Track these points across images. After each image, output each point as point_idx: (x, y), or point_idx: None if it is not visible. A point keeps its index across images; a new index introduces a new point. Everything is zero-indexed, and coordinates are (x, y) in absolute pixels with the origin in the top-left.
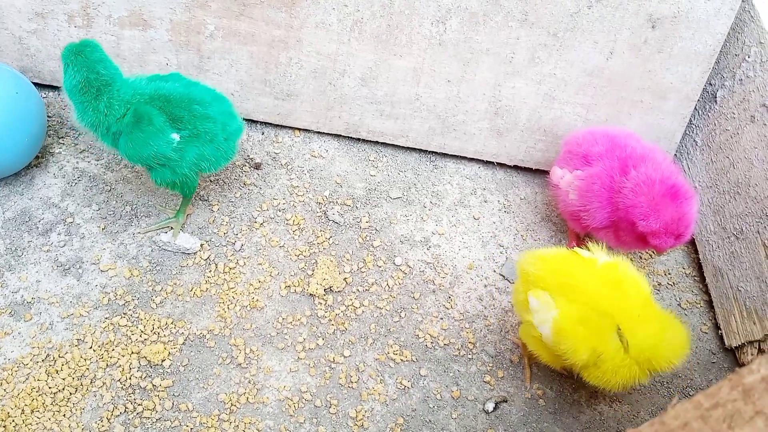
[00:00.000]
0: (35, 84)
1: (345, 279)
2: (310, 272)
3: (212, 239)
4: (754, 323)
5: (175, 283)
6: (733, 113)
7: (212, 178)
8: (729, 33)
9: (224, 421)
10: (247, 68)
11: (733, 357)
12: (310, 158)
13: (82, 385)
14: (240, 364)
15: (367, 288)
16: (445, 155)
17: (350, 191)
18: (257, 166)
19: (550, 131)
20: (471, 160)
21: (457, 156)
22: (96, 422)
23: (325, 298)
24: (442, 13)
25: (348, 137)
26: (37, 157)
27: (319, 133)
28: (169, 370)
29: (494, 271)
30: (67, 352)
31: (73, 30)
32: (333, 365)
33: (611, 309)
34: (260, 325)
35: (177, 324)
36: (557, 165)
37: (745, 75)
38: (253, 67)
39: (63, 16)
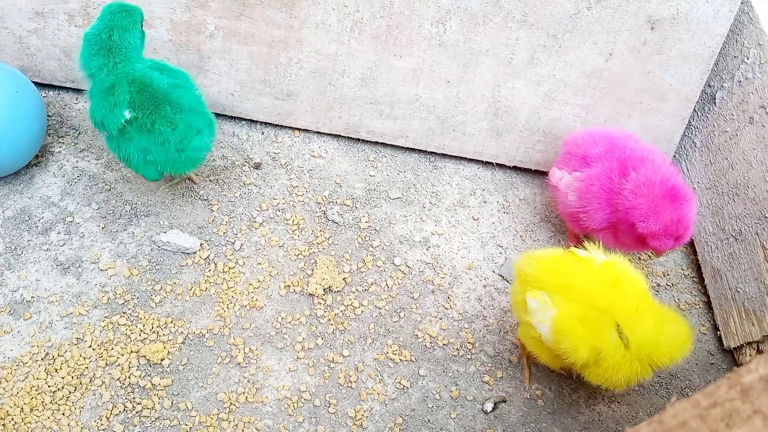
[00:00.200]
0: (35, 83)
1: (344, 279)
2: (309, 272)
3: (212, 239)
4: (753, 324)
5: (175, 283)
6: (732, 115)
7: (211, 178)
8: (728, 35)
9: (223, 420)
10: (247, 68)
11: (732, 358)
12: (309, 158)
13: (81, 383)
14: (239, 364)
15: (367, 288)
16: (444, 156)
17: (350, 191)
18: (257, 166)
19: (550, 132)
20: (470, 160)
21: (457, 156)
22: (95, 421)
23: (324, 297)
24: (442, 14)
25: (348, 137)
26: (36, 156)
27: (318, 133)
28: (168, 369)
29: (493, 271)
30: (66, 351)
31: (73, 29)
32: (332, 365)
33: (609, 307)
34: (259, 325)
35: (176, 323)
36: (556, 166)
37: (743, 77)
38: (252, 67)
39: (63, 15)
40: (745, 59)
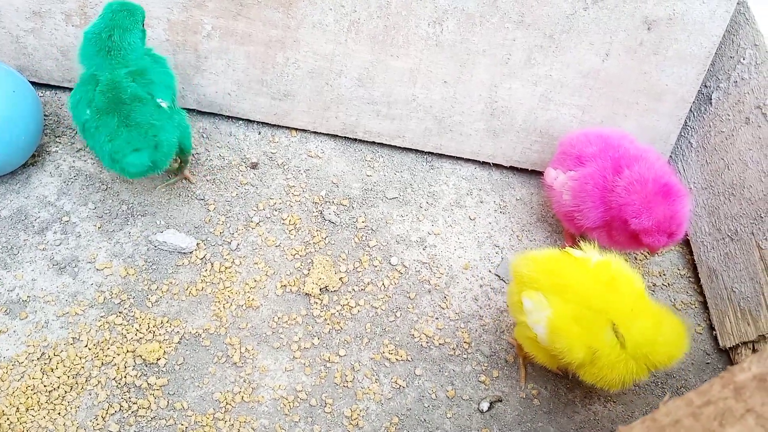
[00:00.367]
0: (32, 83)
1: (341, 278)
2: (306, 272)
3: (208, 238)
4: (748, 324)
5: (171, 282)
6: (728, 115)
7: (208, 178)
8: (724, 35)
9: (219, 419)
10: (244, 68)
11: (728, 358)
12: (306, 158)
13: (77, 383)
14: (235, 363)
15: (363, 288)
16: (441, 156)
17: (346, 191)
18: (254, 166)
19: (546, 132)
20: (467, 160)
21: (454, 157)
22: (91, 421)
23: (320, 297)
24: (439, 14)
25: (344, 137)
26: (33, 156)
27: (315, 133)
28: (164, 369)
29: (490, 271)
30: (62, 351)
31: (70, 29)
32: (328, 364)
33: (605, 306)
34: (256, 325)
35: (172, 323)
36: (551, 166)
37: (740, 77)
38: (250, 67)
39: (60, 15)
40: (741, 60)
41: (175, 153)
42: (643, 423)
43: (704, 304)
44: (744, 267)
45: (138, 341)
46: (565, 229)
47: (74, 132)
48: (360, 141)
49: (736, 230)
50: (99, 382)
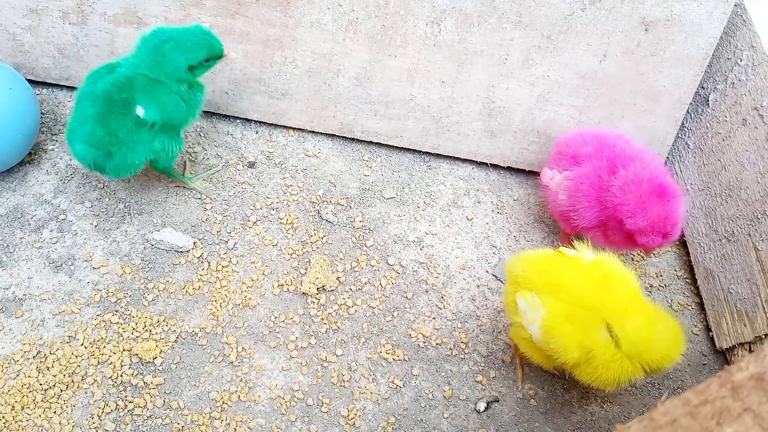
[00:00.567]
0: (29, 81)
1: (338, 278)
2: (303, 271)
3: (205, 237)
4: (745, 325)
5: (168, 281)
6: (725, 116)
7: (205, 176)
8: (721, 37)
9: (215, 419)
10: (241, 67)
11: (724, 359)
12: (304, 157)
13: (73, 382)
14: (232, 363)
15: (360, 287)
16: (438, 156)
17: (344, 191)
18: (251, 165)
19: (544, 133)
20: (465, 161)
21: (451, 157)
22: (87, 419)
23: (317, 297)
24: (437, 14)
25: (342, 137)
26: (30, 154)
27: (313, 132)
28: (160, 368)
29: (487, 271)
30: (58, 349)
31: (67, 27)
32: (325, 364)
33: (598, 305)
34: (253, 324)
35: (169, 322)
36: (548, 166)
37: (737, 78)
38: (247, 65)
39: (57, 12)
40: (739, 61)
41: (142, 167)
42: (640, 422)
43: (701, 306)
44: (741, 268)
45: (134, 340)
46: (562, 230)
47: None
48: (357, 140)
49: (733, 231)
50: (95, 380)
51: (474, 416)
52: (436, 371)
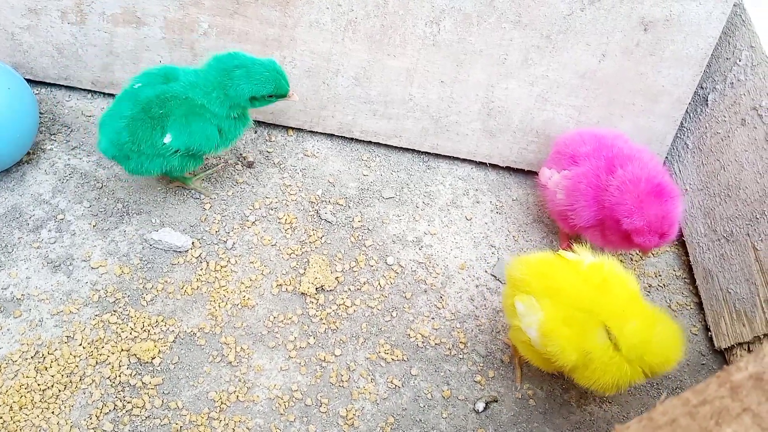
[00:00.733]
0: (28, 80)
1: (337, 278)
2: (302, 271)
3: (204, 237)
4: (744, 325)
5: (166, 281)
6: (724, 116)
7: (204, 177)
8: (720, 37)
9: (214, 419)
10: None
11: (723, 359)
12: (303, 157)
13: (71, 382)
14: (230, 363)
15: (359, 287)
16: (437, 156)
17: (343, 191)
18: (250, 165)
19: (543, 133)
20: (464, 160)
21: (450, 156)
22: (85, 420)
23: (316, 297)
24: (436, 14)
25: (341, 137)
26: (28, 154)
27: (312, 132)
28: (159, 368)
29: (486, 271)
30: (56, 349)
31: (66, 26)
32: (324, 364)
33: (597, 308)
34: (251, 324)
35: (167, 322)
36: (546, 166)
37: (736, 78)
38: None
39: (56, 12)
40: (738, 61)
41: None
42: (639, 422)
43: (699, 305)
44: (739, 268)
45: (133, 340)
46: (561, 229)
47: (69, 130)
48: (356, 140)
49: (732, 231)
50: (93, 380)
51: (473, 416)
52: (435, 371)
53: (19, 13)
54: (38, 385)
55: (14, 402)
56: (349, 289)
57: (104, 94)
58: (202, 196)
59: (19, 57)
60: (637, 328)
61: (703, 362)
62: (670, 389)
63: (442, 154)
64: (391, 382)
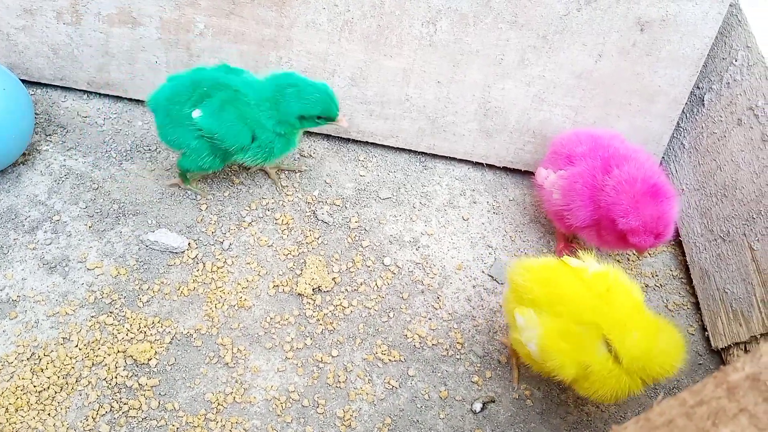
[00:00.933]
0: (23, 81)
1: (334, 279)
2: (298, 272)
3: (200, 238)
4: (740, 325)
5: (162, 282)
6: (721, 116)
7: (201, 177)
8: (717, 37)
9: (211, 420)
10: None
11: (720, 358)
12: (299, 158)
13: (67, 383)
14: (227, 364)
15: (356, 288)
16: (434, 156)
17: (339, 191)
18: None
19: (539, 133)
20: (460, 161)
21: (447, 157)
22: (81, 421)
23: (313, 297)
24: (433, 14)
25: (338, 137)
26: (24, 155)
27: (308, 132)
28: (155, 370)
29: (483, 271)
30: (52, 351)
31: (61, 27)
32: (321, 365)
33: (598, 319)
34: (248, 325)
35: (164, 323)
36: (543, 166)
37: (732, 78)
38: (242, 65)
39: (51, 12)
40: (734, 61)
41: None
42: (636, 423)
43: (696, 305)
44: (736, 268)
45: (129, 341)
46: (557, 230)
47: (65, 131)
48: (353, 141)
49: (728, 231)
50: (89, 382)
51: (470, 417)
52: (432, 372)
53: (14, 14)
54: (34, 386)
55: (10, 404)
56: (346, 289)
57: (100, 94)
58: (198, 197)
59: (15, 57)
60: (639, 339)
61: (700, 362)
62: (667, 389)
63: (439, 154)
64: (388, 382)
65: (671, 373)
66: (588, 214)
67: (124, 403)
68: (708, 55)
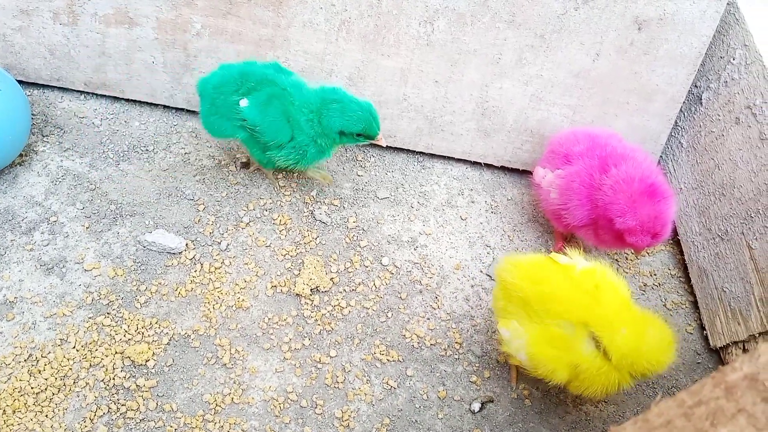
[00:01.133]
0: (20, 82)
1: (332, 279)
2: (296, 272)
3: (198, 238)
4: (739, 324)
5: (160, 283)
6: (718, 115)
7: (198, 177)
8: (714, 35)
9: (209, 421)
10: None
11: (718, 357)
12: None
13: (64, 385)
14: (225, 365)
15: (354, 288)
16: (432, 156)
17: (337, 191)
18: (244, 165)
19: (537, 132)
20: (458, 160)
21: (445, 156)
22: (79, 423)
23: (311, 298)
24: (430, 14)
25: None
26: (20, 156)
27: None
28: (153, 371)
29: (481, 271)
30: (49, 352)
31: (58, 27)
32: (319, 365)
33: (586, 316)
34: (246, 325)
35: (161, 324)
36: (540, 165)
37: (730, 77)
38: None
39: (48, 13)
40: (732, 60)
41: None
42: (635, 424)
43: (695, 304)
44: (734, 267)
45: (126, 342)
46: (555, 229)
47: (62, 131)
48: None
49: (727, 230)
50: (87, 383)
51: (469, 417)
52: (431, 372)
53: (11, 14)
54: (32, 388)
55: (7, 405)
56: (344, 290)
57: (97, 95)
58: (196, 197)
59: (11, 58)
60: (627, 336)
61: (699, 361)
62: (666, 388)
63: (437, 154)
64: (387, 383)
65: (661, 368)
66: (585, 214)
67: (122, 405)
68: (706, 53)
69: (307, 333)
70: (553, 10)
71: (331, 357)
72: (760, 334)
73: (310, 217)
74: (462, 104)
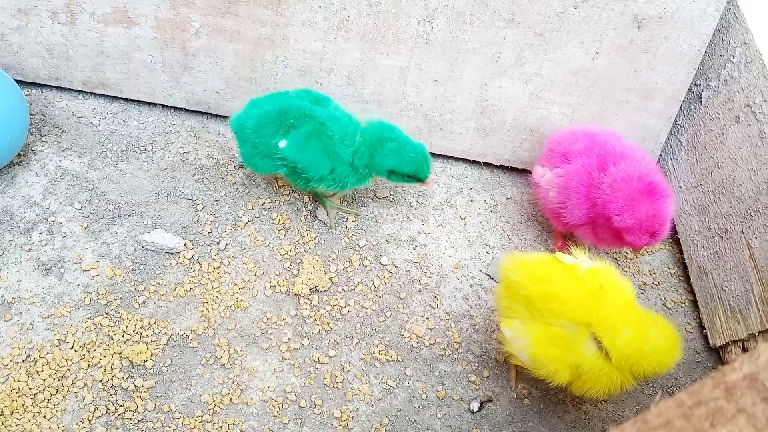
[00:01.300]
0: (18, 81)
1: (331, 279)
2: (295, 272)
3: (196, 238)
4: (738, 323)
5: (158, 283)
6: (718, 114)
7: (197, 177)
8: (714, 34)
9: (207, 422)
10: (232, 66)
11: (718, 356)
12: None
13: (63, 386)
14: (224, 365)
15: (353, 288)
16: (431, 154)
17: None
18: (243, 165)
19: (537, 131)
20: (457, 159)
21: (444, 155)
22: (77, 423)
23: (310, 297)
24: (429, 12)
25: None
26: (19, 156)
27: None
28: (151, 371)
29: (480, 270)
30: (47, 353)
31: (56, 27)
32: (318, 365)
33: (590, 317)
34: (245, 325)
35: (160, 324)
36: (539, 163)
37: (729, 75)
38: (238, 65)
39: (46, 12)
40: (731, 58)
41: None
42: (634, 424)
43: (694, 303)
44: (734, 265)
45: (125, 343)
46: (554, 228)
47: (60, 131)
48: None
49: (726, 229)
50: (85, 384)
51: (468, 416)
52: (430, 371)
53: (9, 14)
54: (29, 389)
55: (5, 406)
56: (343, 289)
57: (95, 94)
58: (195, 197)
59: (9, 58)
60: (630, 337)
61: (698, 360)
62: (665, 387)
63: (436, 152)
64: (386, 382)
65: (664, 369)
66: (584, 212)
67: (120, 405)
68: (705, 52)
69: (305, 333)
70: (553, 8)
71: (329, 357)
72: (759, 332)
73: (309, 216)
74: (461, 103)
